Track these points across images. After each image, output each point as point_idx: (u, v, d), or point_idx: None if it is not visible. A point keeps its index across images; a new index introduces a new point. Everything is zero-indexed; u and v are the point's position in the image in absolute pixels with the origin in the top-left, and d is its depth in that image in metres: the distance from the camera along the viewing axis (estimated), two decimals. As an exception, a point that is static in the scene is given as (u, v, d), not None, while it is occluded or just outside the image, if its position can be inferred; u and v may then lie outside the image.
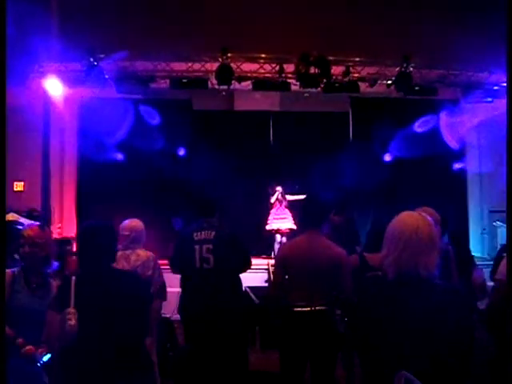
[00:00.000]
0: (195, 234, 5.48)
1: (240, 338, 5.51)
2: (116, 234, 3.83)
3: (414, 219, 2.83)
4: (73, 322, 3.29)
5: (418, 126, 11.40)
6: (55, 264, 4.29)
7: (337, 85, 10.16)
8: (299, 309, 4.73)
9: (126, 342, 3.37)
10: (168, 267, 6.71)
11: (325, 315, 4.74)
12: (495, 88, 10.43)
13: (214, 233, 5.45)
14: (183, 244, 5.61)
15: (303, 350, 4.78)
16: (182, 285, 5.78)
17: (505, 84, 10.27)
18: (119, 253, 5.84)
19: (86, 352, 3.30)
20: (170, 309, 7.71)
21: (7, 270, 4.18)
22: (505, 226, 8.99)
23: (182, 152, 11.73)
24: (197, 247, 5.42)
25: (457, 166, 11.93)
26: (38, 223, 4.70)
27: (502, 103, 10.37)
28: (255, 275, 5.78)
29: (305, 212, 5.14)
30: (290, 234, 10.83)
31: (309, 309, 4.72)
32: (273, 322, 5.10)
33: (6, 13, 3.26)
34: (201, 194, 5.89)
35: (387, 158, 11.87)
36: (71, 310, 3.32)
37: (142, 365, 3.56)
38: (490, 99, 10.55)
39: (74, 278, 3.49)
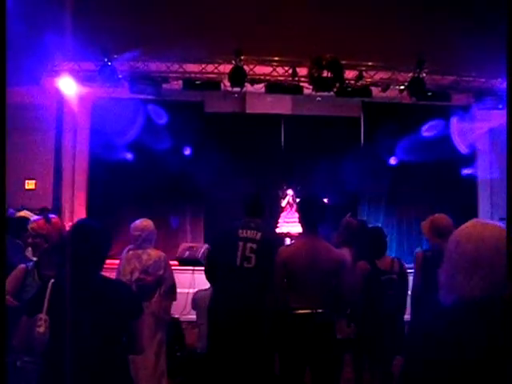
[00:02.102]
0: (240, 231, 5.43)
1: (267, 343, 5.45)
2: (108, 239, 3.49)
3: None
4: (42, 330, 3.07)
5: (427, 130, 11.37)
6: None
7: (349, 89, 10.15)
8: (300, 311, 4.73)
9: (102, 358, 3.15)
10: (178, 268, 6.74)
11: (325, 318, 4.73)
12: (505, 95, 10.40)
13: (260, 234, 5.39)
14: (226, 239, 5.55)
15: (303, 353, 4.77)
16: (216, 281, 5.70)
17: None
18: (131, 252, 5.88)
19: (56, 364, 3.07)
20: (178, 309, 7.74)
21: (21, 265, 4.20)
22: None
23: (191, 153, 11.74)
24: (241, 244, 5.36)
25: (466, 171, 11.90)
26: (41, 217, 4.60)
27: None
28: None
29: (302, 215, 5.15)
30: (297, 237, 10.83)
31: (309, 311, 4.72)
32: (273, 325, 5.06)
33: (5, 13, 3.21)
34: (251, 194, 5.83)
35: (392, 161, 11.83)
36: (42, 316, 3.10)
37: (121, 382, 3.32)
38: (501, 106, 10.51)
39: (52, 280, 3.23)
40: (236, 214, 5.77)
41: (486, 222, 2.31)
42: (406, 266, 6.09)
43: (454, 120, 11.29)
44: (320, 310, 4.70)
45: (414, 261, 5.81)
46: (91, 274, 3.29)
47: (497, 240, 2.19)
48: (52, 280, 3.23)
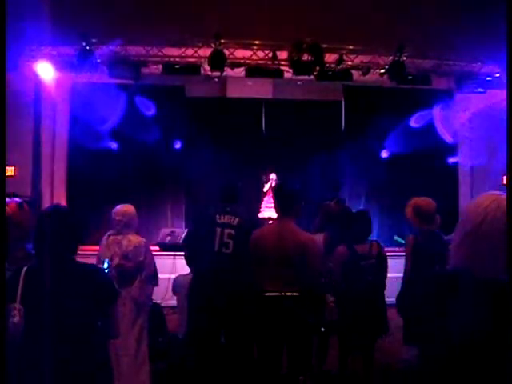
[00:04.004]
0: (218, 217, 5.44)
1: (247, 326, 5.47)
2: (81, 223, 3.42)
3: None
4: (16, 319, 3.01)
5: (414, 122, 11.42)
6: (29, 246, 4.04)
7: (330, 73, 10.12)
8: (269, 294, 4.75)
9: (80, 344, 3.12)
10: (159, 253, 6.72)
11: (294, 301, 4.74)
12: (488, 79, 10.43)
13: (237, 219, 5.43)
14: (203, 224, 5.56)
15: (276, 336, 4.79)
16: (195, 265, 5.73)
17: (497, 75, 10.30)
18: (111, 238, 5.84)
19: (33, 353, 3.03)
20: (159, 295, 7.73)
21: None
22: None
23: (173, 139, 11.68)
24: (218, 230, 5.39)
25: (451, 160, 11.96)
26: (18, 200, 4.42)
27: (494, 94, 10.39)
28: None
29: (276, 199, 5.17)
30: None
31: (277, 294, 4.73)
32: (246, 308, 5.10)
33: (6, 13, 3.13)
34: (226, 180, 5.84)
35: (384, 154, 11.90)
36: (16, 305, 3.03)
37: (99, 369, 3.28)
38: (482, 90, 10.54)
39: (24, 268, 3.16)
40: (217, 199, 5.77)
41: (500, 193, 2.29)
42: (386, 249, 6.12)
43: (436, 108, 11.33)
44: (288, 293, 4.72)
45: (406, 245, 5.83)
46: (65, 260, 3.24)
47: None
48: (25, 268, 3.17)
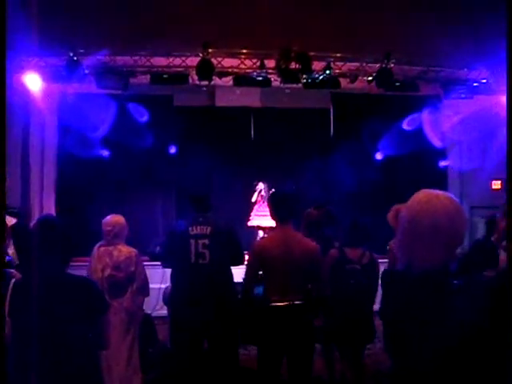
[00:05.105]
0: (190, 229, 5.45)
1: (231, 333, 5.49)
2: (72, 234, 3.42)
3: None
4: (5, 332, 3.00)
5: (405, 125, 11.49)
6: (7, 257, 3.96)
7: (318, 81, 10.15)
8: (277, 304, 4.75)
9: (71, 355, 3.13)
10: (151, 264, 6.72)
11: (302, 310, 4.76)
12: (475, 84, 10.49)
13: (210, 228, 5.43)
14: (177, 238, 5.57)
15: (280, 345, 4.80)
16: (173, 279, 5.74)
17: (484, 81, 10.37)
18: (102, 249, 5.84)
19: (23, 364, 3.02)
20: (150, 305, 7.72)
21: None
22: (483, 220, 9.08)
23: (162, 148, 11.67)
24: (192, 242, 5.39)
25: (442, 163, 12.04)
26: None
27: (481, 100, 10.47)
28: (238, 271, 5.80)
29: (274, 208, 5.17)
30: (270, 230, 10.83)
31: (286, 303, 4.74)
32: (248, 317, 5.10)
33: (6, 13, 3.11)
34: (196, 189, 5.84)
35: (379, 156, 11.98)
36: (4, 318, 3.02)
37: (90, 380, 3.30)
38: (469, 95, 10.60)
39: (13, 280, 3.17)
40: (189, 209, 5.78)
41: (436, 192, 2.45)
42: (378, 256, 6.14)
43: (425, 113, 11.39)
44: (297, 302, 4.73)
45: (388, 251, 5.85)
46: (56, 271, 3.25)
47: (454, 210, 2.33)
48: (13, 280, 3.18)
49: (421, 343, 2.27)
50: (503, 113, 10.15)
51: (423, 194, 2.45)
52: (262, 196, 11.20)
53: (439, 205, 2.35)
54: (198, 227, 5.45)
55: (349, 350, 5.99)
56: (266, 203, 11.11)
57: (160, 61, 9.88)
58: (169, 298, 5.91)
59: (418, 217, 2.36)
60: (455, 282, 2.37)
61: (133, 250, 5.84)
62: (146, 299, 6.14)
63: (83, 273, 5.23)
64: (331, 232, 6.80)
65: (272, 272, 4.84)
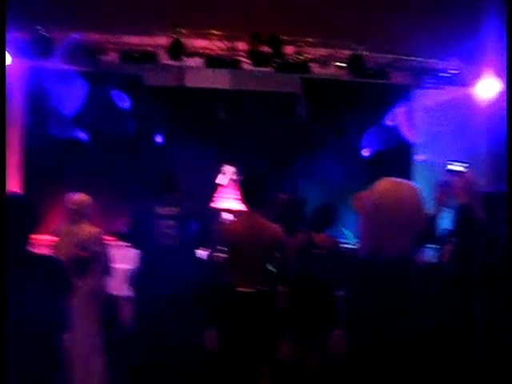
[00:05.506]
0: (158, 209, 5.40)
1: (196, 315, 5.46)
2: (35, 211, 3.34)
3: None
4: None
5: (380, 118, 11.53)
6: None
7: (288, 65, 10.11)
8: (242, 289, 4.73)
9: (32, 335, 3.07)
10: (117, 244, 6.65)
11: (266, 296, 4.75)
12: (446, 75, 10.55)
13: (178, 209, 5.39)
14: (144, 218, 5.52)
15: (243, 330, 4.80)
16: (139, 259, 5.70)
17: (455, 71, 10.43)
18: (66, 228, 5.77)
19: None
20: (115, 286, 7.64)
21: None
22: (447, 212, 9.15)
23: (131, 128, 11.53)
24: (159, 222, 5.35)
25: (416, 157, 12.10)
26: None
27: (451, 90, 10.55)
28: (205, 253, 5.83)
29: (243, 191, 5.14)
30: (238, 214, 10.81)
31: (251, 290, 4.72)
32: (212, 300, 5.08)
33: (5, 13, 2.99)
34: (165, 169, 5.78)
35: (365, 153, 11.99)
36: None
37: (52, 361, 3.25)
38: (441, 86, 10.68)
39: None
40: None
41: (397, 180, 2.49)
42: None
43: (396, 104, 11.43)
44: (262, 288, 4.72)
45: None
46: (19, 249, 3.17)
47: (415, 198, 2.37)
48: None
49: (383, 330, 2.28)
50: (475, 104, 10.21)
51: (385, 182, 2.46)
52: (232, 179, 11.16)
53: (400, 192, 2.37)
54: (167, 208, 5.40)
55: (313, 335, 6.02)
56: (233, 186, 11.12)
57: (130, 39, 9.73)
58: (134, 278, 5.87)
59: (379, 204, 2.38)
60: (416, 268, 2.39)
61: (97, 230, 5.79)
62: (110, 280, 6.08)
63: (47, 251, 5.15)
64: (300, 217, 6.80)
65: (237, 256, 4.82)
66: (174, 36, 9.33)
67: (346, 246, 7.29)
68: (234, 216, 10.97)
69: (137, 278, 5.77)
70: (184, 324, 5.44)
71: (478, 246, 3.52)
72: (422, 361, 2.24)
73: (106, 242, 5.86)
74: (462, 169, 4.00)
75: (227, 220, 10.76)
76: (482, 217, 3.43)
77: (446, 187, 3.59)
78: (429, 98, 11.34)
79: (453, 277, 2.89)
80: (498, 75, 9.71)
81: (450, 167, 4.06)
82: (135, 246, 5.80)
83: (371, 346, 2.38)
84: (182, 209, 5.42)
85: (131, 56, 9.79)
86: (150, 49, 9.81)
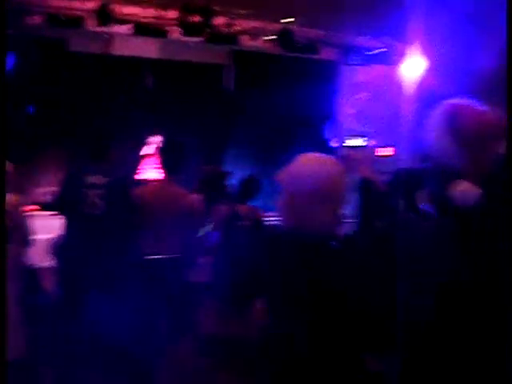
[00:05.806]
0: (86, 178, 5.26)
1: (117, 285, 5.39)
2: None
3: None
4: None
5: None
6: None
7: (219, 36, 10.04)
8: (151, 257, 4.72)
9: None
10: (38, 213, 6.48)
11: (177, 263, 4.75)
12: (372, 53, 10.68)
13: (106, 178, 5.25)
14: (71, 186, 5.37)
15: (154, 298, 4.79)
16: (64, 229, 5.56)
17: (382, 50, 10.58)
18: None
19: None
20: (37, 256, 7.47)
21: None
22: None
23: (52, 96, 11.19)
24: (86, 191, 5.21)
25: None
26: None
27: (377, 68, 10.72)
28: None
29: (160, 158, 5.10)
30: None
31: (161, 256, 4.72)
32: (125, 269, 5.04)
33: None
34: (95, 136, 5.61)
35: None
36: None
37: None
38: (368, 63, 10.81)
39: None
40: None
41: (317, 155, 2.51)
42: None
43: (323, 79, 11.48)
44: (174, 255, 4.71)
45: None
46: None
47: (335, 173, 2.40)
48: None
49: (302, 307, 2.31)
50: (400, 83, 10.36)
51: (304, 157, 2.48)
52: (156, 149, 11.04)
53: (320, 167, 2.38)
54: (94, 177, 5.28)
55: (234, 307, 6.05)
56: (155, 156, 10.98)
57: (57, 2, 9.42)
58: (58, 248, 5.74)
59: (299, 179, 2.37)
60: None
61: (17, 198, 5.61)
62: (32, 250, 5.94)
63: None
64: (224, 189, 6.81)
65: (147, 225, 4.79)
66: (103, 1, 9.09)
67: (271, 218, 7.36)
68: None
69: (60, 248, 5.64)
70: (107, 294, 5.37)
71: (376, 218, 3.61)
72: (331, 331, 2.31)
73: (26, 211, 5.70)
74: (359, 143, 4.09)
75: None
76: (380, 189, 3.48)
77: (344, 161, 3.65)
78: (357, 74, 11.46)
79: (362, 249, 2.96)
80: (424, 54, 9.90)
81: (346, 142, 4.16)
82: (60, 214, 5.66)
83: (288, 316, 2.42)
84: (111, 177, 5.30)
85: (56, 19, 9.47)
86: (76, 13, 9.50)
